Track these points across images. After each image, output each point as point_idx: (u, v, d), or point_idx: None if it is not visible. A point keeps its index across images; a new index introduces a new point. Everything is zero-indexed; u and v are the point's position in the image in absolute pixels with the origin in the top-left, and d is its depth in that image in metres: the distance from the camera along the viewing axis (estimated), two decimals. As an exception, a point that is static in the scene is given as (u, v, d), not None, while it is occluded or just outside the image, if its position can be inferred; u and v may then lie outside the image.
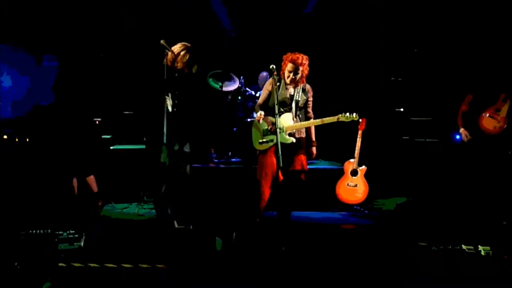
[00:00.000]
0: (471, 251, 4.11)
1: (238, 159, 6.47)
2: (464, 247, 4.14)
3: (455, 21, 6.71)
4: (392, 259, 4.15)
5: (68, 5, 6.78)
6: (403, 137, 6.60)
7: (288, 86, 4.61)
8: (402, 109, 6.70)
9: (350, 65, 7.26)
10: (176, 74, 4.63)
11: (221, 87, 6.48)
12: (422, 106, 6.69)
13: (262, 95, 4.74)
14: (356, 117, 4.46)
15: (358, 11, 7.08)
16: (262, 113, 4.57)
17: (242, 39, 7.24)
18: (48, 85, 7.01)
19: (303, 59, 4.56)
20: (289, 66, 4.56)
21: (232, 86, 6.60)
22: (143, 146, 6.51)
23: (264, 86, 4.73)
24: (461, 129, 5.63)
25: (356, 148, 5.61)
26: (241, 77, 6.63)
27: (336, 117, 4.49)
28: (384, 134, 6.91)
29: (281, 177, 4.46)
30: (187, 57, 4.63)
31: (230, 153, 6.58)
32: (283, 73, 4.62)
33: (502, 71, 5.79)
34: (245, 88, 6.66)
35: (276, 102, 4.31)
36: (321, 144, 6.74)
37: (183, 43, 4.68)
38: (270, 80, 4.55)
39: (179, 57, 4.62)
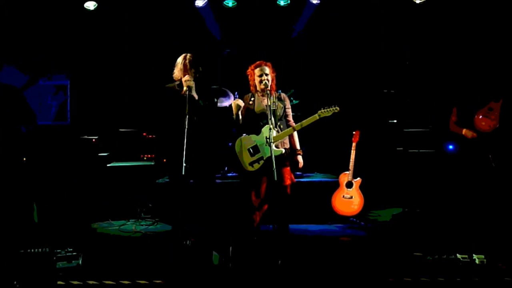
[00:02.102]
0: (466, 260, 4.14)
1: (234, 174, 6.51)
2: (458, 256, 4.17)
3: (444, 32, 6.82)
4: (388, 270, 4.18)
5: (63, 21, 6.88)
6: (397, 148, 6.65)
7: (263, 98, 4.64)
8: (395, 121, 6.76)
9: (343, 77, 7.34)
10: (187, 91, 4.58)
11: (216, 103, 6.54)
12: (415, 117, 6.75)
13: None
14: (336, 108, 4.45)
15: (350, 25, 7.18)
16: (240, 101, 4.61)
17: (237, 55, 7.33)
18: (44, 105, 7.10)
19: (266, 62, 4.65)
20: (257, 71, 4.62)
21: (227, 102, 6.67)
22: (143, 163, 6.64)
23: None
24: (463, 130, 5.70)
25: (351, 160, 5.66)
26: (236, 93, 6.70)
27: (317, 114, 4.48)
28: (378, 145, 6.97)
29: (264, 207, 4.54)
30: (181, 62, 4.65)
31: (226, 168, 6.62)
32: (254, 86, 4.68)
33: (492, 72, 5.92)
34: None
35: (271, 116, 4.38)
36: (316, 156, 6.85)
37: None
38: (245, 97, 4.68)
39: (180, 65, 4.66)
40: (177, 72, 4.69)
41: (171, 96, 4.63)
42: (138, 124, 7.19)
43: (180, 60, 4.70)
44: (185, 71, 4.63)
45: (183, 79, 4.57)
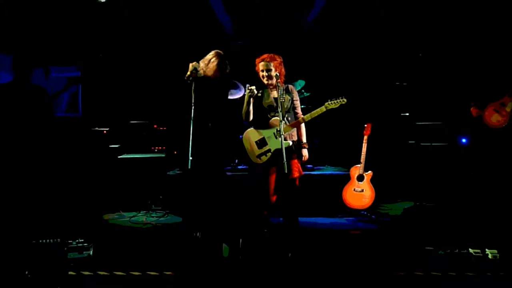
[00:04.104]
0: (478, 254, 4.10)
1: (244, 166, 6.50)
2: (471, 250, 4.13)
3: (458, 24, 6.72)
4: (399, 264, 4.15)
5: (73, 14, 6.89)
6: (409, 142, 6.59)
7: (271, 91, 4.61)
8: (407, 114, 6.69)
9: (355, 70, 7.28)
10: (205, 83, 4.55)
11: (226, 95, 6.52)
12: (428, 111, 6.68)
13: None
14: (344, 100, 4.40)
15: (362, 16, 7.10)
16: (253, 87, 4.53)
17: (247, 47, 7.29)
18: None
19: (272, 56, 4.56)
20: (260, 66, 4.57)
21: (237, 94, 6.64)
22: (153, 155, 6.66)
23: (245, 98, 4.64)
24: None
25: (362, 153, 5.62)
26: (247, 85, 6.66)
27: (324, 106, 4.44)
28: (389, 139, 6.91)
29: (273, 200, 4.51)
30: (216, 62, 4.60)
31: (236, 161, 6.61)
32: (262, 79, 4.64)
33: (508, 66, 5.81)
34: (251, 95, 6.69)
35: (280, 109, 4.34)
36: (327, 149, 6.82)
37: (215, 51, 4.69)
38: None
39: (210, 63, 4.61)
40: (202, 64, 4.64)
41: (188, 86, 4.58)
42: (149, 116, 7.20)
43: (210, 56, 4.64)
44: (207, 65, 4.59)
45: (191, 64, 4.54)
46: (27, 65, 5.16)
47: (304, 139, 4.69)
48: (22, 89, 5.13)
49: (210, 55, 4.67)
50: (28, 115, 5.11)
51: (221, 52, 4.70)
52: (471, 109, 5.74)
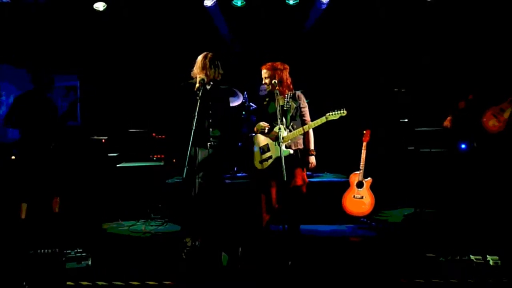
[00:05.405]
0: (480, 261, 4.07)
1: (243, 174, 6.49)
2: (472, 257, 4.10)
3: (458, 29, 6.73)
4: (400, 271, 4.12)
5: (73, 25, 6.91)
6: (408, 148, 6.57)
7: (278, 98, 4.57)
8: (406, 120, 6.68)
9: (353, 76, 7.28)
10: (208, 87, 4.51)
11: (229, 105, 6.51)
12: (427, 116, 6.67)
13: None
14: (344, 112, 4.40)
15: (361, 23, 7.11)
16: (265, 124, 4.57)
17: (246, 55, 7.30)
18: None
19: (272, 64, 4.56)
20: (262, 73, 4.59)
21: (236, 102, 6.65)
22: (152, 163, 6.66)
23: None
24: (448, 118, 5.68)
25: (361, 160, 5.61)
26: (245, 92, 6.68)
27: (324, 117, 4.45)
28: (389, 145, 6.90)
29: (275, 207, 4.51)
30: (208, 63, 4.48)
31: (235, 168, 6.60)
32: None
33: (509, 71, 5.82)
34: (249, 103, 6.70)
35: (279, 116, 4.33)
36: (327, 156, 6.78)
37: (201, 55, 4.58)
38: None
39: (199, 63, 4.49)
40: (195, 70, 4.55)
41: (185, 94, 4.51)
42: (147, 124, 7.19)
43: (200, 58, 4.54)
44: (203, 69, 4.48)
45: (197, 76, 4.47)
46: (50, 79, 5.60)
47: (311, 146, 4.68)
48: (41, 100, 5.55)
49: (199, 59, 4.53)
50: (47, 124, 5.54)
51: (205, 52, 4.59)
52: (460, 102, 5.76)
